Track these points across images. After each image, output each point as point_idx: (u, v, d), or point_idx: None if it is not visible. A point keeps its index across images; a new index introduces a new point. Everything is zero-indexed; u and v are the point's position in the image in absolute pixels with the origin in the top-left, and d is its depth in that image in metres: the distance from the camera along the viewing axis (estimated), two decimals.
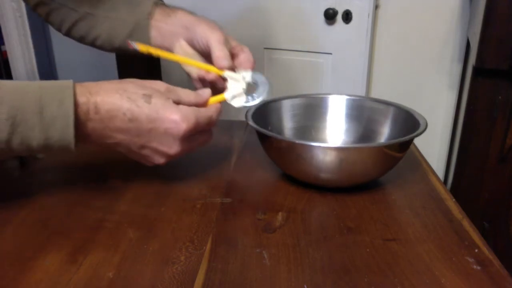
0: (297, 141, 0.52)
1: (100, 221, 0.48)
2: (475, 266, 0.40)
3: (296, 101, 0.66)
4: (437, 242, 0.44)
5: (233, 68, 0.57)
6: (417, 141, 0.59)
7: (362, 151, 0.51)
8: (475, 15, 1.23)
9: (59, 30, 0.69)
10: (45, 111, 0.42)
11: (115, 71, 1.85)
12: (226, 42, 0.58)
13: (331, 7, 1.41)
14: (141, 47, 0.57)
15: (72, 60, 1.98)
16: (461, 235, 0.46)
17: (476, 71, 1.12)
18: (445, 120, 1.55)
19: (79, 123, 0.45)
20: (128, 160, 0.52)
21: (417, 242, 0.44)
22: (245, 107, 0.56)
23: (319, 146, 0.50)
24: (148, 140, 0.48)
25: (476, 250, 0.43)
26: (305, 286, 0.38)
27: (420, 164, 0.64)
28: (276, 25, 1.51)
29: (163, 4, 0.65)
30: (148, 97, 0.46)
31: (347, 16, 1.40)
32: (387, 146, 0.52)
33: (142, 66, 1.74)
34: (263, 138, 0.55)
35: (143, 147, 0.48)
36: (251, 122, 0.55)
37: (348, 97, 0.66)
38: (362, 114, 0.65)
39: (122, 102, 0.46)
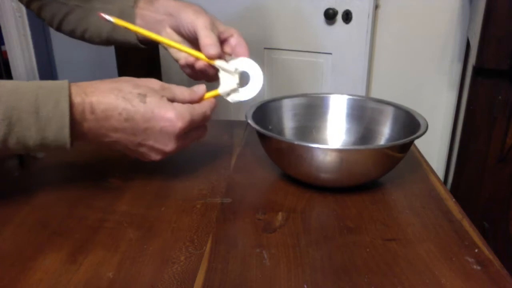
0: (297, 142, 0.52)
1: (100, 221, 0.48)
2: (475, 266, 0.40)
3: (297, 100, 0.66)
4: (437, 242, 0.44)
5: (222, 56, 0.55)
6: (417, 141, 0.59)
7: (363, 152, 0.51)
8: (475, 15, 1.23)
9: (50, 25, 0.68)
10: (41, 111, 0.43)
11: (115, 71, 1.85)
12: (213, 27, 0.55)
13: (331, 7, 1.41)
14: (116, 21, 0.54)
15: (72, 60, 1.98)
16: (461, 235, 0.46)
17: (476, 71, 1.13)
18: (445, 120, 1.55)
19: (75, 123, 0.45)
20: (128, 159, 0.52)
21: (417, 242, 0.44)
22: (240, 101, 0.55)
23: (320, 148, 0.50)
24: (144, 139, 0.48)
25: (476, 250, 0.43)
26: (305, 286, 0.38)
27: (420, 164, 0.64)
28: (276, 25, 1.51)
29: None
30: (143, 96, 0.47)
31: (347, 16, 1.40)
32: (388, 148, 0.52)
33: (142, 65, 1.74)
34: (263, 138, 0.55)
35: (139, 145, 0.49)
36: (251, 122, 0.55)
37: (349, 97, 0.66)
38: (363, 114, 0.65)
39: (117, 102, 0.46)
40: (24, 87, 0.43)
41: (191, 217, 0.49)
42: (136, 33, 0.62)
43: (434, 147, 1.60)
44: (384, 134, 0.62)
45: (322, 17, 1.43)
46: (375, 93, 1.57)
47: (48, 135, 0.43)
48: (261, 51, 1.56)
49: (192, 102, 0.51)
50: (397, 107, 0.62)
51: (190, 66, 0.57)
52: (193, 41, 0.57)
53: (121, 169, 0.60)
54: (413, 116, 0.57)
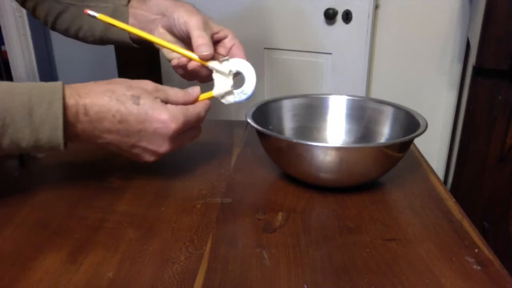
0: (297, 141, 0.52)
1: (100, 221, 0.48)
2: (475, 266, 0.40)
3: (297, 101, 0.66)
4: (437, 242, 0.44)
5: (215, 57, 0.55)
6: (417, 141, 0.59)
7: (362, 151, 0.51)
8: (475, 15, 1.23)
9: (45, 23, 0.68)
10: (35, 113, 0.43)
11: (115, 71, 1.85)
12: (206, 26, 0.55)
13: (331, 7, 1.41)
14: (100, 16, 0.54)
15: (72, 60, 1.98)
16: (461, 235, 0.46)
17: (476, 71, 1.13)
18: (445, 120, 1.55)
19: (69, 125, 0.45)
20: (128, 160, 0.52)
21: (417, 242, 0.44)
22: (235, 102, 0.55)
23: (319, 146, 0.50)
24: (138, 140, 0.48)
25: (476, 250, 0.43)
26: (305, 286, 0.38)
27: (420, 164, 0.64)
28: (276, 25, 1.51)
29: None
30: (136, 98, 0.47)
31: (347, 16, 1.40)
32: (388, 146, 0.52)
33: (142, 65, 1.74)
34: (263, 137, 0.55)
35: (133, 146, 0.49)
36: (251, 122, 0.55)
37: (348, 97, 0.66)
38: (363, 114, 0.65)
39: (111, 104, 0.46)
40: (18, 89, 0.43)
41: (191, 217, 0.49)
42: (128, 32, 0.61)
43: (434, 147, 1.60)
44: (384, 134, 0.62)
45: (322, 17, 1.43)
46: (375, 93, 1.57)
47: (42, 136, 0.44)
48: (261, 51, 1.56)
49: (186, 103, 0.50)
50: (397, 107, 0.62)
51: (183, 67, 0.57)
52: (186, 41, 0.57)
53: (121, 169, 0.60)
54: (413, 116, 0.57)
